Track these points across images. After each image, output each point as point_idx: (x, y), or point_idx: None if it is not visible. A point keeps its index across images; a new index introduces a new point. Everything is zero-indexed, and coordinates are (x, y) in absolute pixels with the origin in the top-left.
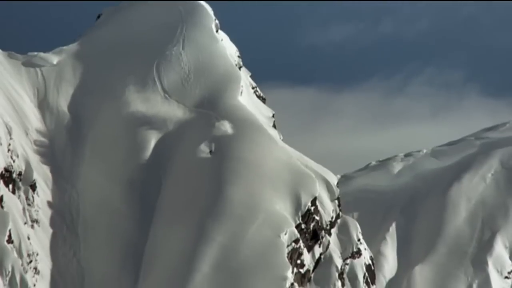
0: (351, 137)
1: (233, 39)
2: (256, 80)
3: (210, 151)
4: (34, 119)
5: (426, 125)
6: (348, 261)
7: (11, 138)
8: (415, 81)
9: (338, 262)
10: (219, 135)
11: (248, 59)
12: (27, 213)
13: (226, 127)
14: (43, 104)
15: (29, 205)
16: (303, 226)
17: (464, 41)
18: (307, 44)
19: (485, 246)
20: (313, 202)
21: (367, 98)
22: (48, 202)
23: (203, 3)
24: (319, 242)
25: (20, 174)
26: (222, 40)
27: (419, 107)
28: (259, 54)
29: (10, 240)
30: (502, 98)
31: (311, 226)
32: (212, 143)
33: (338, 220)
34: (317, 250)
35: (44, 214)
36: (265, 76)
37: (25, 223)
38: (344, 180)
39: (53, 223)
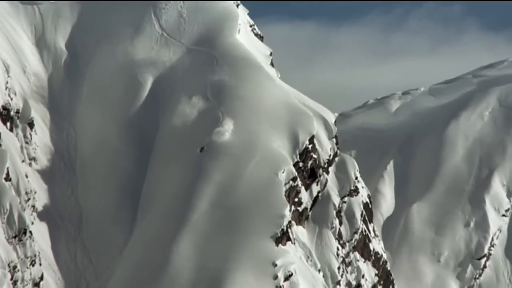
0: (349, 72)
1: None
2: (254, 15)
3: (202, 148)
4: (32, 57)
5: (424, 60)
6: (346, 199)
7: (8, 76)
8: (414, 15)
9: (336, 200)
10: (216, 73)
11: None
12: (25, 151)
13: (224, 65)
14: (40, 42)
15: (27, 143)
16: (300, 164)
17: None
18: None
19: (483, 184)
20: (311, 140)
21: (366, 32)
22: (46, 140)
23: None
24: (316, 180)
25: (17, 112)
26: None
27: (418, 41)
28: None
29: (8, 178)
30: (501, 32)
31: (309, 164)
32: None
33: (336, 158)
34: (315, 188)
35: (42, 152)
36: (263, 12)
37: (23, 161)
38: (341, 118)
39: (51, 161)
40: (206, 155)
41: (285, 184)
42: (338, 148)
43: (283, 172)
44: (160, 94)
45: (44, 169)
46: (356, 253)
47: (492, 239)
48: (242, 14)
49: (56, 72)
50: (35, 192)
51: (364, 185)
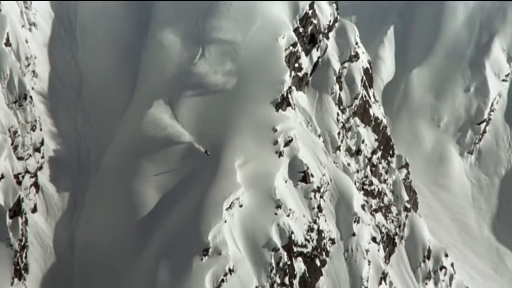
0: None
1: None
2: None
3: (206, 151)
4: None
5: None
6: (346, 64)
7: None
8: None
9: (336, 65)
10: None
11: None
12: (25, 16)
13: None
14: None
15: (26, 8)
16: (300, 29)
17: None
18: None
19: (483, 49)
20: (311, 6)
21: None
22: (46, 6)
23: None
24: (317, 45)
25: None
26: None
27: None
28: None
29: (8, 43)
30: None
31: (309, 29)
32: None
33: (336, 24)
34: (315, 53)
35: (42, 17)
36: None
37: (23, 26)
38: None
39: (51, 26)
40: (205, 19)
41: (285, 49)
42: (338, 14)
43: (283, 38)
44: None
45: (44, 34)
46: (356, 119)
47: (492, 104)
48: None
49: None
50: (35, 57)
51: (364, 50)
